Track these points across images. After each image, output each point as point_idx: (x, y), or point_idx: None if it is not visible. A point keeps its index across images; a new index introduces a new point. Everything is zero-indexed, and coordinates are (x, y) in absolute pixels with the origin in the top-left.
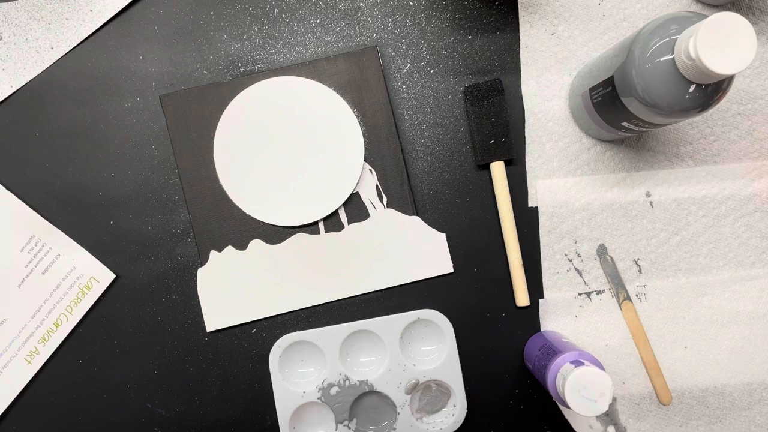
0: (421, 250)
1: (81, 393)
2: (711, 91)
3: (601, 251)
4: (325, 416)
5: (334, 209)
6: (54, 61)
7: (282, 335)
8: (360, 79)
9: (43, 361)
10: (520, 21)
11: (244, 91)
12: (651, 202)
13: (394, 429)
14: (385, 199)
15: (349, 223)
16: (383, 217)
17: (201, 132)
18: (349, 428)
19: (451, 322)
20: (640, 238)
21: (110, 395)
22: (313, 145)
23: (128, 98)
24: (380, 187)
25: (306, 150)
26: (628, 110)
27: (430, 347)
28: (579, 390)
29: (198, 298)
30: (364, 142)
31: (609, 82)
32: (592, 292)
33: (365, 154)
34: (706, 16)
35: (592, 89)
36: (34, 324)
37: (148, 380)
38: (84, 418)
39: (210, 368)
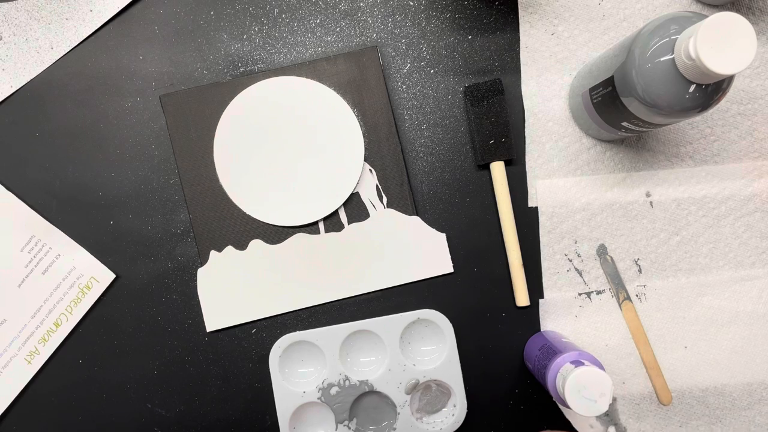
0: (421, 250)
1: (81, 393)
2: (711, 91)
3: (601, 251)
4: (325, 416)
5: (334, 209)
6: (54, 61)
7: (282, 335)
8: (360, 79)
9: (43, 361)
10: (520, 21)
11: (244, 91)
12: (651, 202)
13: (394, 429)
14: (385, 199)
15: (349, 223)
16: (383, 217)
17: (201, 132)
18: (349, 428)
19: (451, 322)
20: (640, 238)
21: (110, 395)
22: (313, 145)
23: (128, 98)
24: (380, 187)
25: (306, 150)
26: (628, 110)
27: (430, 347)
28: (579, 390)
29: (198, 298)
30: (364, 142)
31: (609, 82)
32: (592, 292)
33: (365, 154)
34: (706, 16)
35: (592, 89)
36: (34, 324)
37: (148, 380)
38: (84, 418)
39: (210, 368)
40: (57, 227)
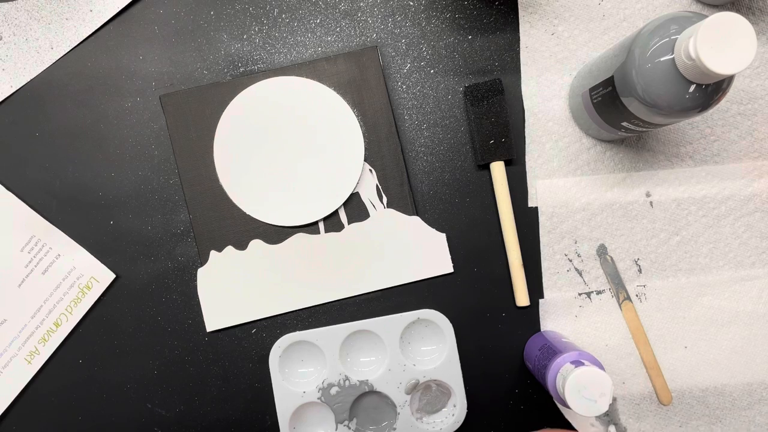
0: (421, 250)
1: (81, 393)
2: (711, 91)
3: (601, 251)
4: (325, 416)
5: (334, 209)
6: (54, 61)
7: (282, 335)
8: (360, 79)
9: (43, 361)
10: (520, 21)
11: (244, 91)
12: (651, 202)
13: (394, 429)
14: (385, 199)
15: (349, 223)
16: (383, 217)
17: (201, 132)
18: (349, 428)
19: (451, 322)
20: (640, 238)
21: (110, 395)
22: (313, 145)
23: (128, 98)
24: (380, 187)
25: (306, 150)
26: (628, 110)
27: (430, 347)
28: (579, 390)
29: (198, 298)
30: (364, 142)
31: (609, 82)
32: (592, 292)
33: (365, 154)
34: (706, 16)
35: (592, 89)
36: (34, 324)
37: (148, 380)
38: (84, 418)
39: (210, 368)
40: (57, 227)
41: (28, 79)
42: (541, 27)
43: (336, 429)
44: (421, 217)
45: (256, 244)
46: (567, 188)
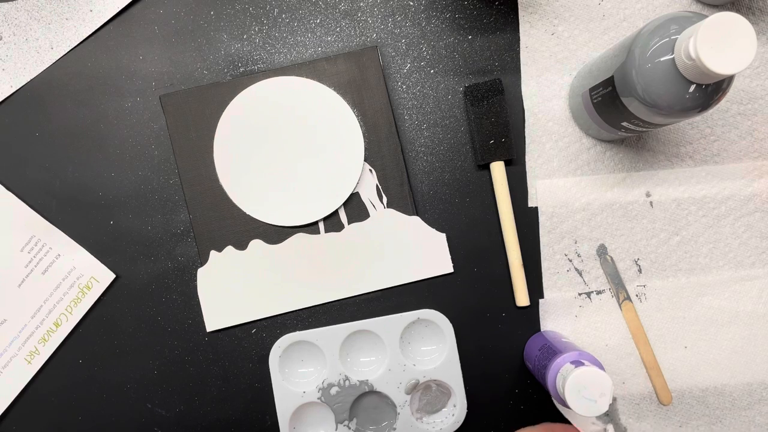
0: (421, 250)
1: (81, 393)
2: (711, 91)
3: (601, 251)
4: (325, 416)
5: (334, 209)
6: (54, 61)
7: (282, 335)
8: (360, 79)
9: (43, 361)
10: (520, 21)
11: (244, 91)
12: (651, 202)
13: (394, 429)
14: (385, 199)
15: (349, 223)
16: (383, 217)
17: (201, 132)
18: (349, 428)
19: (451, 322)
20: (640, 238)
21: (110, 395)
22: (313, 145)
23: (128, 98)
24: (380, 187)
25: (306, 150)
26: (628, 110)
27: (430, 347)
28: (579, 390)
29: (198, 298)
30: (364, 142)
31: (609, 82)
32: (592, 292)
33: (365, 154)
34: (706, 16)
35: (592, 89)
36: (34, 324)
37: (148, 380)
38: (84, 418)
39: (210, 368)
40: (57, 227)
41: (28, 79)
42: (541, 27)
43: (336, 429)
44: (421, 217)
45: (256, 244)
46: (567, 188)
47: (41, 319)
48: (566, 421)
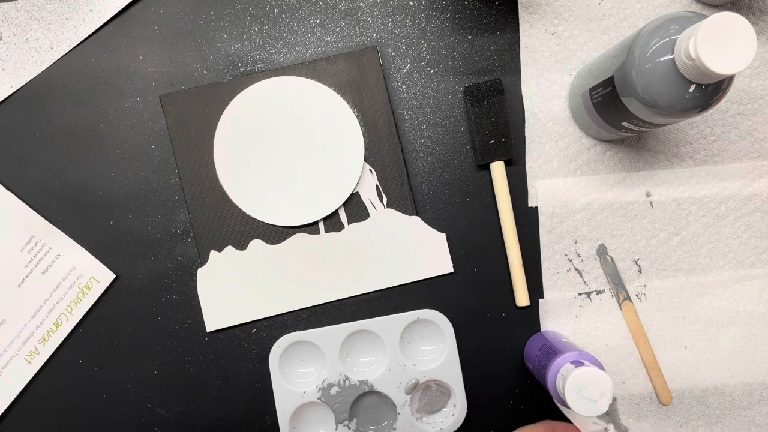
0: (421, 250)
1: (81, 393)
2: (711, 91)
3: (601, 251)
4: (325, 416)
5: (334, 209)
6: (54, 61)
7: (282, 335)
8: (360, 79)
9: (43, 361)
10: (520, 21)
11: (244, 91)
12: (651, 202)
13: (394, 429)
14: (385, 199)
15: (349, 223)
16: (383, 217)
17: (201, 132)
18: (349, 428)
19: (451, 322)
20: (640, 238)
21: (110, 395)
22: (313, 145)
23: (128, 98)
24: (380, 187)
25: (306, 150)
26: (628, 110)
27: (430, 347)
28: (579, 390)
29: (198, 298)
30: (364, 142)
31: (609, 82)
32: (592, 292)
33: (365, 154)
34: (706, 16)
35: (592, 89)
36: (34, 324)
37: (148, 380)
38: (84, 418)
39: (210, 368)
40: (57, 227)
41: (28, 79)
42: (541, 27)
43: (336, 429)
44: (421, 217)
45: (256, 244)
46: (567, 188)
47: (41, 319)
48: (567, 420)
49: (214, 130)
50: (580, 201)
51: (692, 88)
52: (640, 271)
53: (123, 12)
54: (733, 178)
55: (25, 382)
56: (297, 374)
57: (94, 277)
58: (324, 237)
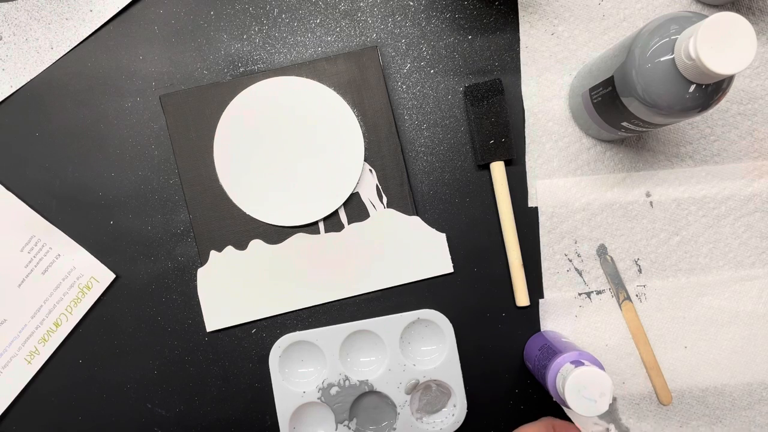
0: (421, 250)
1: (81, 393)
2: (711, 91)
3: (601, 251)
4: (325, 416)
5: (334, 209)
6: (54, 61)
7: (282, 335)
8: (360, 79)
9: (43, 361)
10: (520, 21)
11: (244, 91)
12: (651, 202)
13: (394, 429)
14: (385, 199)
15: (349, 223)
16: (383, 217)
17: (201, 132)
18: (349, 428)
19: (451, 322)
20: (640, 238)
21: (110, 395)
22: (313, 145)
23: (128, 98)
24: (380, 187)
25: (306, 150)
26: (628, 110)
27: (430, 347)
28: (579, 390)
29: (198, 298)
30: (364, 142)
31: (609, 82)
32: (592, 292)
33: (365, 154)
34: (706, 16)
35: (592, 89)
36: (34, 324)
37: (148, 380)
38: (84, 418)
39: (210, 368)
40: (57, 227)
41: (28, 79)
42: (541, 27)
43: (336, 429)
44: (421, 217)
45: (256, 244)
46: (567, 188)
47: (41, 319)
48: (568, 418)
49: (214, 130)
50: (580, 201)
51: (692, 88)
52: (640, 271)
53: (123, 12)
54: (733, 178)
55: (25, 382)
56: (297, 374)
57: (94, 277)
58: (324, 237)
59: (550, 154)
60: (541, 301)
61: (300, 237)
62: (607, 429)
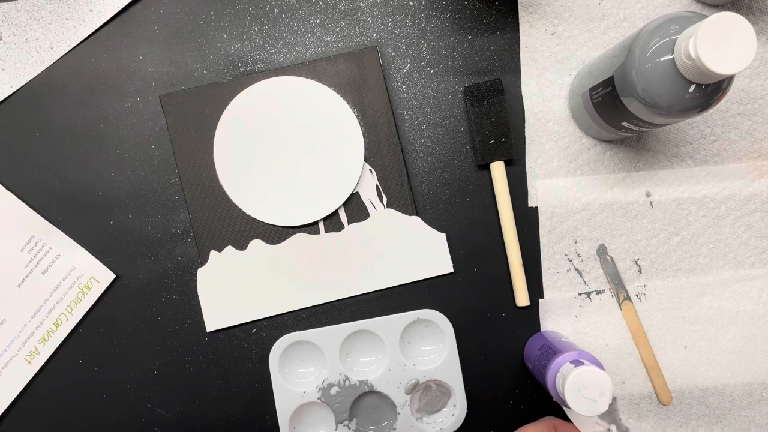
0: (421, 250)
1: (81, 393)
2: (711, 91)
3: (601, 251)
4: (325, 416)
5: (334, 209)
6: (54, 61)
7: (282, 335)
8: (360, 79)
9: (43, 361)
10: (520, 21)
11: (244, 91)
12: (651, 202)
13: (394, 429)
14: (385, 199)
15: (349, 223)
16: (383, 217)
17: (201, 132)
18: (349, 428)
19: (451, 322)
20: (640, 238)
21: (110, 395)
22: (313, 145)
23: (128, 98)
24: (380, 187)
25: (306, 150)
26: (628, 110)
27: (430, 347)
28: (579, 390)
29: (198, 298)
30: (364, 142)
31: (609, 82)
32: (592, 292)
33: (365, 154)
34: (706, 16)
35: (592, 89)
36: (34, 324)
37: (148, 380)
38: (84, 418)
39: (210, 368)
40: (57, 227)
41: (28, 79)
42: (541, 27)
43: (336, 429)
44: (421, 217)
45: (256, 244)
46: (567, 188)
47: (41, 319)
48: (568, 419)
49: (214, 130)
50: (580, 201)
51: (692, 88)
52: (640, 271)
53: (123, 12)
54: (733, 178)
55: (25, 382)
56: (297, 374)
57: (94, 277)
58: (324, 237)
59: (550, 154)
60: (541, 301)
61: (300, 237)
62: (608, 430)
